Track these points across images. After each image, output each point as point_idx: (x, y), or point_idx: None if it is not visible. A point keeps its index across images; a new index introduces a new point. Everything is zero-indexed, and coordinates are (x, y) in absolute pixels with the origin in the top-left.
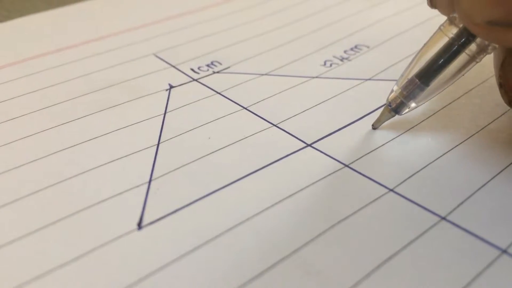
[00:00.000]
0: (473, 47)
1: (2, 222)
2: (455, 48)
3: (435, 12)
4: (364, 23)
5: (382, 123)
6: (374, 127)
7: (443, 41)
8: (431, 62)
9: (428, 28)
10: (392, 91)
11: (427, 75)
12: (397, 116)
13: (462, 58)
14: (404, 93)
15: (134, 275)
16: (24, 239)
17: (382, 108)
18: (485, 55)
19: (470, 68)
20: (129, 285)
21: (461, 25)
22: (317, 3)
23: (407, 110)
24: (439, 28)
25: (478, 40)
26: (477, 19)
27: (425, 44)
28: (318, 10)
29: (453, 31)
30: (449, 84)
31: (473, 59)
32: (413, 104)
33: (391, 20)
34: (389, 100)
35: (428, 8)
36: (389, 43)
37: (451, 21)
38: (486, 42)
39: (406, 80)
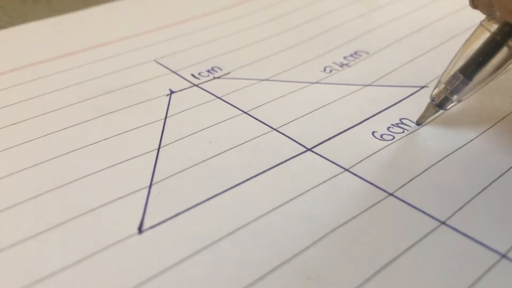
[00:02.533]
0: None
1: (3, 225)
2: (497, 41)
3: (434, 18)
4: (364, 30)
5: (427, 118)
6: (419, 123)
7: (484, 37)
8: (474, 57)
9: (427, 34)
10: (435, 87)
11: (470, 69)
12: (395, 118)
13: (504, 51)
14: (448, 88)
15: (135, 279)
16: (24, 242)
17: (427, 104)
18: None
19: None
20: None
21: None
22: (317, 9)
23: (451, 105)
24: (480, 23)
25: None
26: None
27: (467, 40)
28: (317, 16)
29: (494, 26)
30: (491, 78)
31: None
32: (456, 98)
33: (390, 27)
34: (433, 96)
35: (427, 14)
36: (388, 49)
37: (491, 17)
38: None
39: (449, 75)
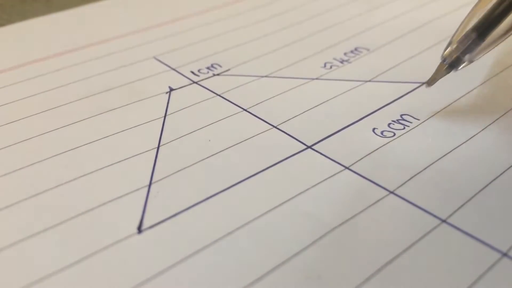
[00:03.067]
0: None
1: (1, 225)
2: None
3: (434, 16)
4: (364, 26)
5: (437, 80)
6: (429, 84)
7: None
8: (487, 15)
9: (428, 31)
10: (446, 47)
11: (483, 28)
12: (396, 114)
13: None
14: (460, 47)
15: (134, 279)
16: (23, 242)
17: (438, 65)
18: None
19: None
20: None
21: None
22: (317, 6)
23: (462, 65)
24: None
25: None
26: None
27: (479, 0)
28: (318, 12)
29: None
30: (504, 38)
31: None
32: (467, 58)
33: (390, 24)
34: (444, 55)
35: (427, 12)
36: (389, 46)
37: None
38: None
39: (462, 35)
